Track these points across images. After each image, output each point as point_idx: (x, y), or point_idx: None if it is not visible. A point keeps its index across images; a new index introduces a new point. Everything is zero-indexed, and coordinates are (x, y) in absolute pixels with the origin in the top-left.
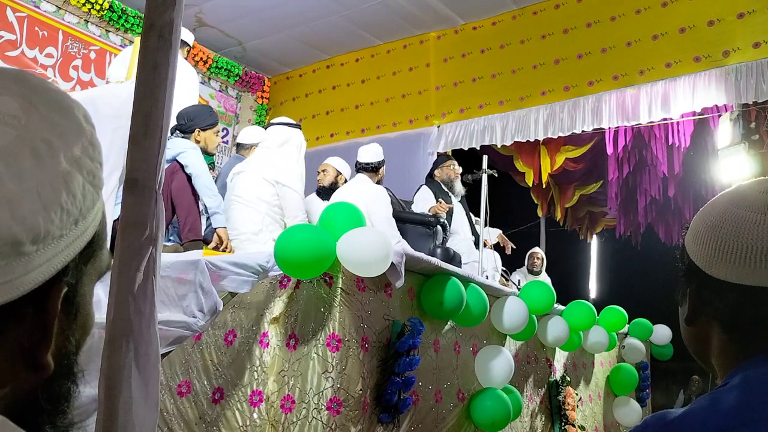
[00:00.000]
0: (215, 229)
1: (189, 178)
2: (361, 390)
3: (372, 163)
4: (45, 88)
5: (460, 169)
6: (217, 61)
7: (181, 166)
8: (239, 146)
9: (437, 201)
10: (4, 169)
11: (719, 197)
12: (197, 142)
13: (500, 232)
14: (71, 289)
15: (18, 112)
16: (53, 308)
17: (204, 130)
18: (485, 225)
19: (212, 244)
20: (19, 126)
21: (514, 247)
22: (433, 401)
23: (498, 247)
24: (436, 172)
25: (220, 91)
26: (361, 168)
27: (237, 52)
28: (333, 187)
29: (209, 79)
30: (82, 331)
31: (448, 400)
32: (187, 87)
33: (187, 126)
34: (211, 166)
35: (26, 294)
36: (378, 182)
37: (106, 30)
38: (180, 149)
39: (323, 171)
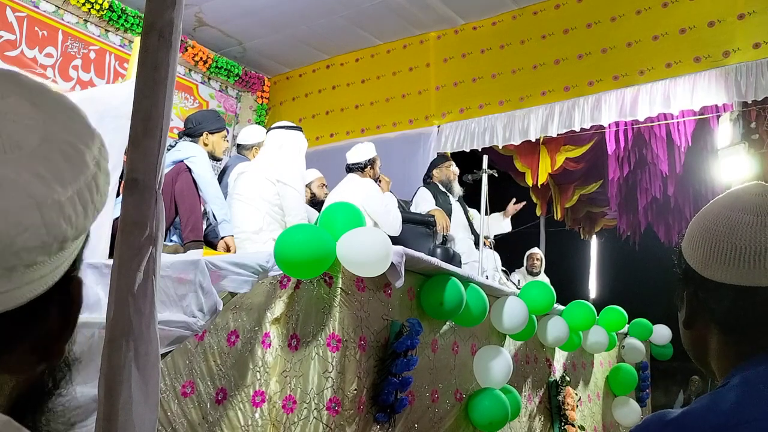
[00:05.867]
0: (223, 237)
1: (194, 179)
2: (356, 389)
3: (360, 163)
4: (44, 89)
5: (457, 170)
6: (216, 61)
7: (188, 168)
8: (240, 147)
9: (437, 202)
10: (47, 173)
11: (713, 202)
12: (205, 145)
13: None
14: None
15: (33, 112)
16: (78, 297)
17: (212, 133)
18: (486, 214)
19: (219, 251)
20: (41, 127)
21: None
22: (429, 401)
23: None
24: (434, 172)
25: (220, 91)
26: (349, 169)
27: (237, 52)
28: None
29: (209, 79)
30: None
31: (445, 400)
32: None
33: (194, 129)
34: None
35: (53, 285)
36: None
37: (106, 30)
38: (189, 154)
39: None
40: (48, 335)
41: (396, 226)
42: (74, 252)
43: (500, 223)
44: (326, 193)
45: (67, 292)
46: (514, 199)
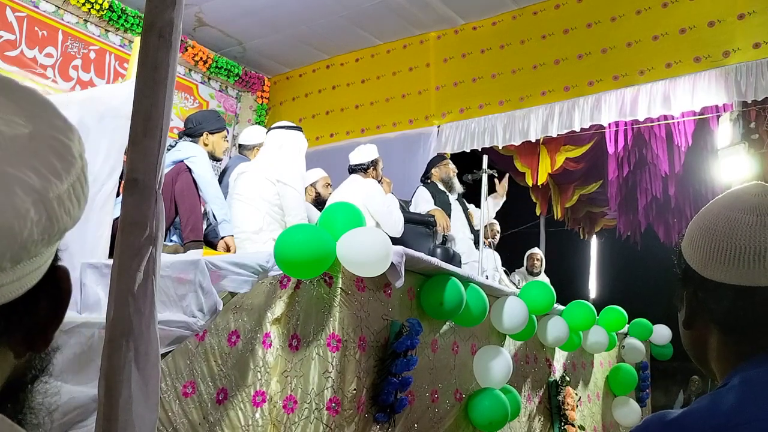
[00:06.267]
0: (223, 237)
1: (194, 179)
2: (355, 389)
3: (363, 164)
4: (16, 84)
5: (455, 168)
6: (217, 61)
7: (189, 168)
8: (242, 147)
9: (435, 202)
10: (42, 168)
11: (713, 202)
12: (205, 145)
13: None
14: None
15: (13, 108)
16: (67, 285)
17: (212, 133)
18: (490, 226)
19: (219, 251)
20: (26, 123)
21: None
22: (429, 401)
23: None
24: (434, 171)
25: (220, 91)
26: (352, 170)
27: (237, 52)
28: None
29: (209, 79)
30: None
31: (445, 400)
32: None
33: (195, 129)
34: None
35: (43, 275)
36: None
37: (106, 30)
38: (189, 154)
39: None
40: (39, 324)
41: (398, 227)
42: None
43: (496, 200)
44: (331, 193)
45: (55, 282)
46: (497, 180)
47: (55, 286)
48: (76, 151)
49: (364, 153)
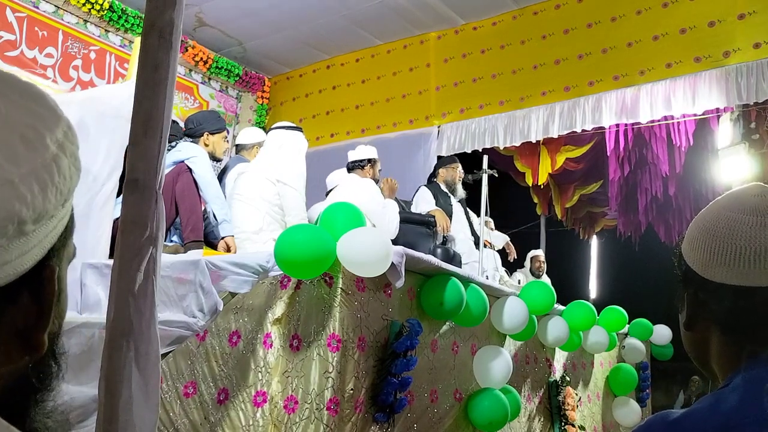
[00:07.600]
0: (223, 237)
1: (195, 179)
2: (353, 389)
3: (361, 161)
4: (13, 79)
5: (463, 173)
6: (217, 61)
7: (189, 169)
8: (239, 147)
9: (437, 202)
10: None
11: (713, 203)
12: (206, 146)
13: (507, 239)
14: (59, 271)
15: None
16: (50, 288)
17: (213, 134)
18: (486, 223)
19: (219, 251)
20: (1, 114)
21: (516, 257)
22: (428, 401)
23: (502, 253)
24: (441, 171)
25: (220, 91)
26: (350, 169)
27: (237, 52)
28: None
29: (209, 79)
30: (63, 314)
31: (444, 400)
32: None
33: (195, 130)
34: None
35: (23, 275)
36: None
37: (106, 30)
38: (190, 154)
39: None
40: (24, 324)
41: (391, 228)
42: (44, 240)
43: (497, 238)
44: None
45: (39, 280)
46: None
47: (38, 284)
48: (52, 140)
49: (362, 151)
